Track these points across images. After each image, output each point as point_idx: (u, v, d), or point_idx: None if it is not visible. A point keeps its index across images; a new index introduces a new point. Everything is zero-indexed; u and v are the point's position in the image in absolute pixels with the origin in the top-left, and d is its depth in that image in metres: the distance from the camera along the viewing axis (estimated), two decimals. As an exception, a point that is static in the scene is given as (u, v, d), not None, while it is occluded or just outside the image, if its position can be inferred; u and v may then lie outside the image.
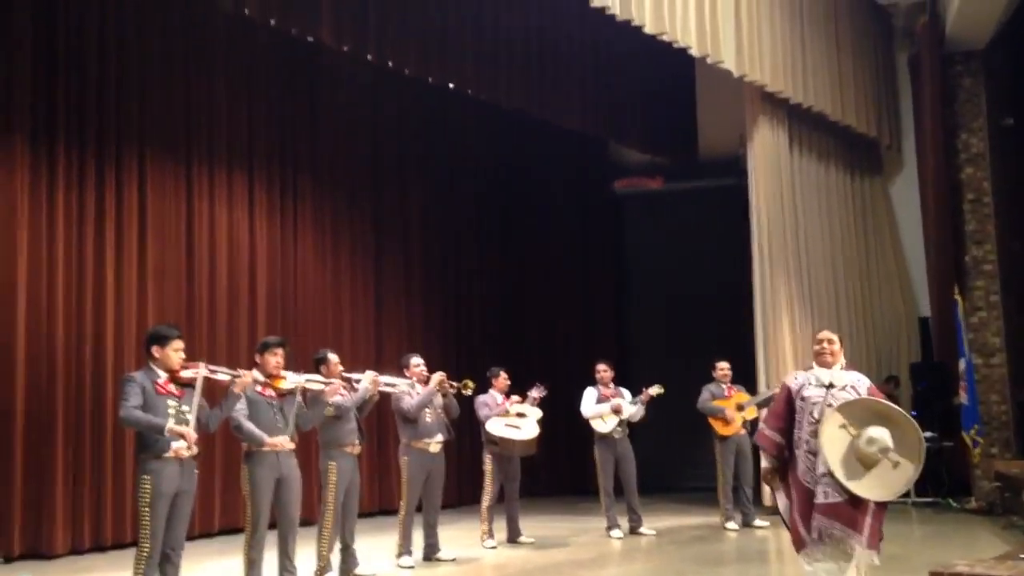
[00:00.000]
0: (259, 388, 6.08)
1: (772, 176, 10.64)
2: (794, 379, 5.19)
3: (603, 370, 9.16)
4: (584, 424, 9.23)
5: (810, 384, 5.05)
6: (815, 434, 4.80)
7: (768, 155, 10.64)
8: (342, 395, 6.80)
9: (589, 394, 9.05)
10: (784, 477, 5.04)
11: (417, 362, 7.64)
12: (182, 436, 5.25)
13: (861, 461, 4.65)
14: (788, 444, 4.99)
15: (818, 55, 10.97)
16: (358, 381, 6.95)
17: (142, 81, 9.34)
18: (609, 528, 8.95)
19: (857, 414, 4.72)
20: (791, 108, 10.89)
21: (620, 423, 8.99)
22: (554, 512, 11.06)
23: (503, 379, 8.76)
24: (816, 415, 4.87)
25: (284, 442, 6.06)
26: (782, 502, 5.14)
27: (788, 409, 5.04)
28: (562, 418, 12.01)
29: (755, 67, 9.92)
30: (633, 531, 9.02)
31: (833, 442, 4.68)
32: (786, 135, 10.98)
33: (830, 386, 4.96)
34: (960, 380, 10.50)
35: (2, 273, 8.21)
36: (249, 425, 5.96)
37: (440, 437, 7.61)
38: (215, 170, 9.96)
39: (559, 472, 13.02)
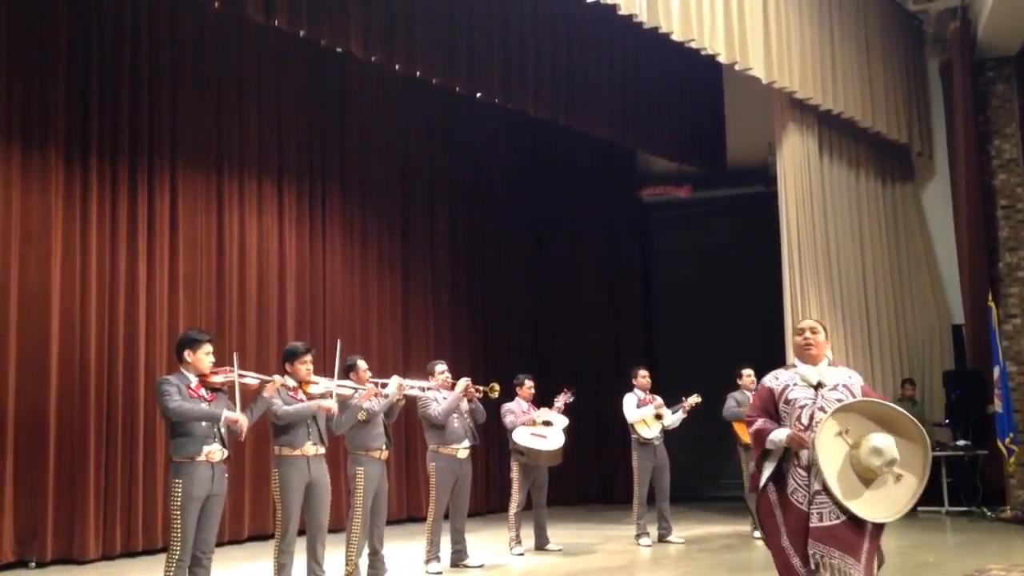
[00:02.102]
0: (291, 393, 6.14)
1: (802, 184, 10.57)
2: (774, 379, 4.38)
3: (643, 376, 9.15)
4: (614, 432, 9.23)
5: (795, 384, 4.27)
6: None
7: (798, 162, 10.57)
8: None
9: (630, 399, 9.03)
10: (764, 499, 4.25)
11: (442, 369, 7.66)
12: (235, 423, 5.39)
13: (860, 475, 3.98)
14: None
15: (848, 61, 10.90)
16: (386, 385, 6.98)
17: (174, 93, 9.46)
18: (638, 536, 8.91)
19: (856, 419, 4.05)
20: (821, 115, 10.81)
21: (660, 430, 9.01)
22: (582, 520, 11.01)
23: (528, 387, 8.77)
24: (805, 420, 4.13)
25: (328, 405, 6.15)
26: (774, 539, 4.23)
27: (774, 413, 4.30)
28: (590, 427, 12.02)
29: (784, 74, 9.87)
30: (662, 539, 8.97)
31: (829, 453, 3.99)
32: (816, 142, 10.90)
33: (819, 386, 4.22)
34: (994, 388, 10.38)
35: (37, 282, 8.33)
36: (287, 408, 6.00)
37: (467, 443, 7.62)
38: (245, 180, 10.07)
39: (587, 480, 12.97)
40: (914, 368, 11.78)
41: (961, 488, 10.73)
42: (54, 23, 8.62)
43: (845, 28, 10.94)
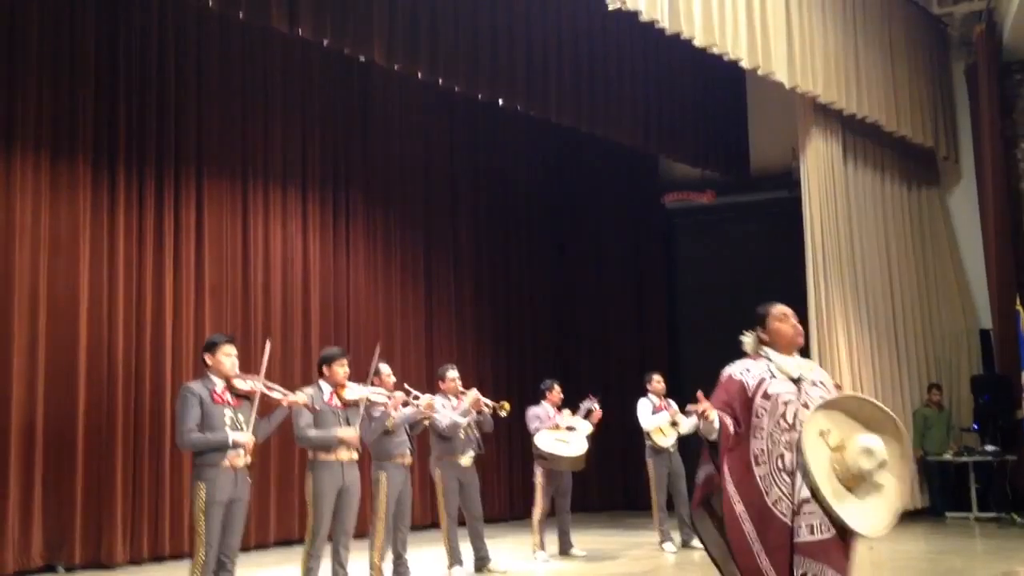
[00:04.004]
0: (326, 398, 6.20)
1: (826, 188, 10.52)
2: (745, 371, 3.83)
3: (657, 380, 9.11)
4: (637, 438, 9.18)
5: (772, 377, 3.77)
6: (791, 446, 3.61)
7: (822, 167, 10.53)
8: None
9: (644, 405, 8.99)
10: (729, 510, 3.66)
11: (453, 375, 7.71)
12: (243, 446, 5.36)
13: (843, 482, 3.56)
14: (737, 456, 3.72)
15: (872, 65, 10.84)
16: (417, 398, 7.02)
17: (199, 103, 9.56)
18: (662, 542, 8.87)
19: (840, 418, 3.63)
20: (845, 119, 10.77)
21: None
22: (605, 526, 11.00)
23: (556, 392, 8.77)
24: (790, 419, 3.65)
25: (353, 439, 6.15)
26: (711, 532, 3.82)
27: (744, 410, 3.74)
28: (613, 433, 11.96)
29: (807, 78, 9.83)
30: (686, 545, 8.92)
31: (817, 456, 3.55)
32: (840, 147, 10.86)
33: (799, 380, 3.76)
34: (1023, 393, 10.27)
35: (65, 289, 8.43)
36: (315, 432, 6.07)
37: (471, 453, 7.63)
38: (270, 188, 10.15)
39: (611, 486, 12.94)
40: (941, 373, 11.71)
41: (990, 494, 10.63)
42: (82, 34, 8.74)
43: (869, 32, 10.89)
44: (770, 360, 3.85)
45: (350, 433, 6.15)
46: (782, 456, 3.62)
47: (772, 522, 3.55)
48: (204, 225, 9.50)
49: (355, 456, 6.24)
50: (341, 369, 6.28)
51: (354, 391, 6.33)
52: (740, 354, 3.98)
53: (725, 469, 3.69)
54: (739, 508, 3.61)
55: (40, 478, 8.07)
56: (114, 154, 8.88)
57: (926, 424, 11.07)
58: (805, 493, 3.56)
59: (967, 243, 12.07)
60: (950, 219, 12.30)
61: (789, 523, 3.54)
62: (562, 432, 8.47)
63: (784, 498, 3.57)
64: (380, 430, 6.72)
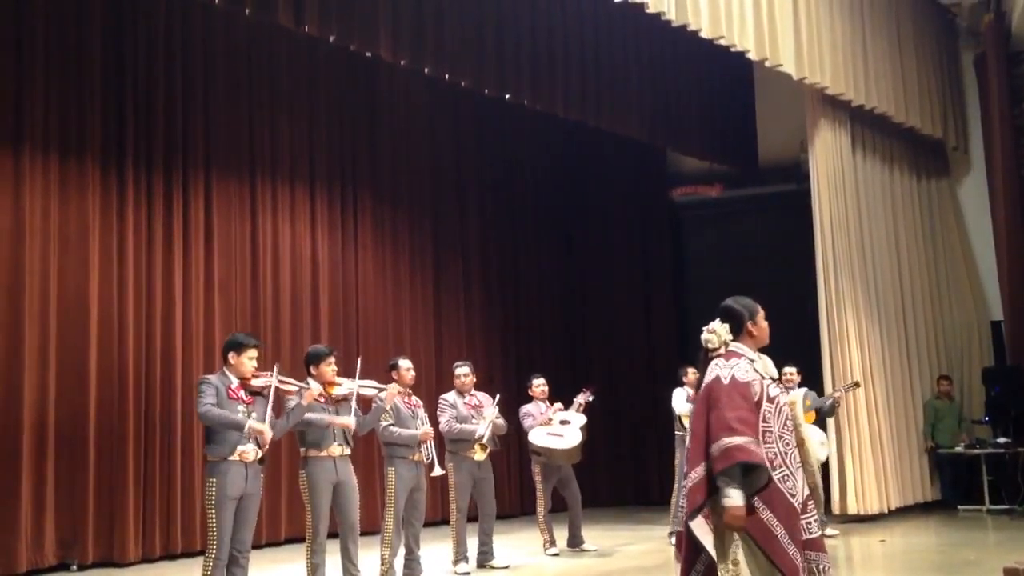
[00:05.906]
0: (319, 396, 6.20)
1: (835, 181, 10.48)
2: (745, 372, 3.70)
3: (693, 373, 9.04)
4: (647, 432, 9.17)
5: (763, 379, 3.74)
6: (795, 445, 3.71)
7: (830, 159, 10.48)
8: (406, 402, 6.99)
9: (680, 394, 8.92)
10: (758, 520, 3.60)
11: (460, 371, 7.85)
12: (260, 434, 5.43)
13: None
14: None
15: (880, 56, 10.79)
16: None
17: (206, 101, 9.58)
18: (672, 534, 8.83)
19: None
20: (853, 111, 10.72)
21: None
22: (616, 521, 10.97)
23: (535, 386, 8.72)
24: (791, 420, 3.73)
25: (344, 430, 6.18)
26: (787, 560, 3.56)
27: (754, 415, 3.65)
28: (623, 427, 11.98)
29: (815, 69, 9.79)
30: (697, 539, 8.89)
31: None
32: (849, 138, 10.81)
33: (773, 380, 3.82)
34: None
35: (75, 289, 8.46)
36: (310, 416, 6.08)
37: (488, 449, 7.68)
38: (278, 186, 10.17)
39: (621, 481, 12.90)
40: (952, 365, 11.67)
41: (1002, 486, 10.57)
42: (89, 34, 8.76)
43: (877, 22, 10.84)
44: (751, 360, 3.77)
45: (345, 419, 6.16)
46: (794, 456, 3.67)
47: (797, 521, 3.60)
48: (213, 223, 9.52)
49: (347, 451, 6.26)
50: (329, 368, 6.28)
51: (343, 387, 6.34)
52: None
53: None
54: (767, 515, 3.57)
55: (52, 476, 8.11)
56: (122, 153, 8.91)
57: (937, 416, 11.03)
58: (806, 491, 3.67)
59: (977, 234, 12.00)
60: (960, 210, 12.24)
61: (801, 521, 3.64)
62: (555, 426, 8.43)
63: (799, 495, 3.63)
64: (375, 422, 6.72)
